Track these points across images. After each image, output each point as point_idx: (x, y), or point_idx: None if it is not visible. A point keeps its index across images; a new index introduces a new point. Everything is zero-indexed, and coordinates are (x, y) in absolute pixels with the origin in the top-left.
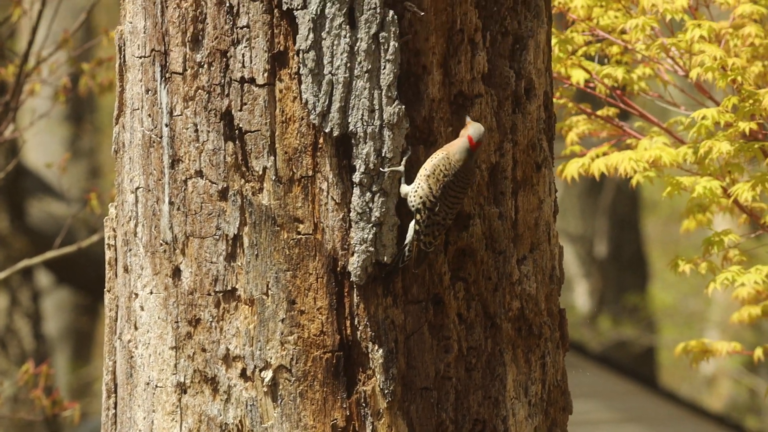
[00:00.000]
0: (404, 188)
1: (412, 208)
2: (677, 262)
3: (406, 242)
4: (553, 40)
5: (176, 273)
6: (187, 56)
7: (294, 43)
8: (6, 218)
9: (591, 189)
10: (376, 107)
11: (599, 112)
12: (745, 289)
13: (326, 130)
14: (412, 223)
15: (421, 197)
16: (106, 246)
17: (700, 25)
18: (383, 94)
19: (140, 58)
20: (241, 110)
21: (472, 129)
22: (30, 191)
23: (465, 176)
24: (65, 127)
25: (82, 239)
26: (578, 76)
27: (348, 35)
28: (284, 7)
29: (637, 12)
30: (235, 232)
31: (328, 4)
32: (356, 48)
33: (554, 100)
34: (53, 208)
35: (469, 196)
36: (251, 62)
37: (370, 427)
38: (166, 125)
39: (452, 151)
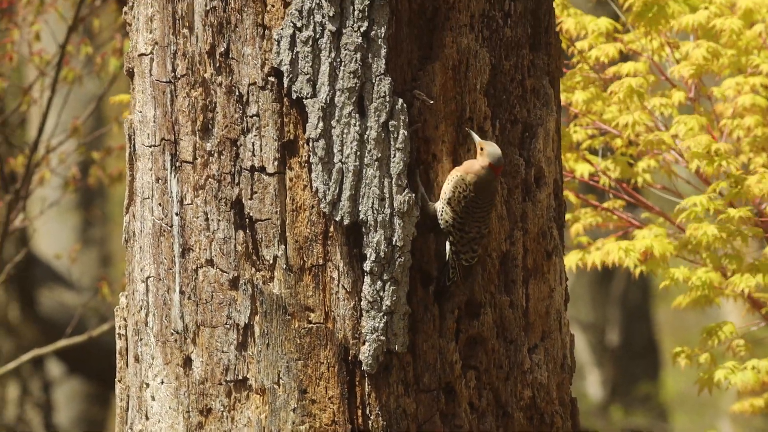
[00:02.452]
0: (431, 206)
1: (444, 230)
2: (678, 353)
3: (447, 260)
4: None
5: (187, 362)
6: (197, 145)
7: (304, 131)
8: (17, 307)
9: (603, 277)
10: (387, 195)
11: (605, 204)
12: (751, 379)
13: (337, 219)
14: (448, 243)
15: (447, 221)
16: (116, 335)
17: (686, 122)
18: (393, 182)
19: (150, 147)
20: (251, 199)
21: (491, 157)
22: (41, 280)
23: (487, 189)
24: (76, 216)
25: (94, 328)
26: (582, 170)
27: (358, 123)
28: (294, 96)
29: (632, 108)
30: (246, 321)
31: (338, 93)
32: (366, 136)
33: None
34: (64, 298)
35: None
36: (261, 151)
37: None
38: (177, 214)
39: (469, 170)
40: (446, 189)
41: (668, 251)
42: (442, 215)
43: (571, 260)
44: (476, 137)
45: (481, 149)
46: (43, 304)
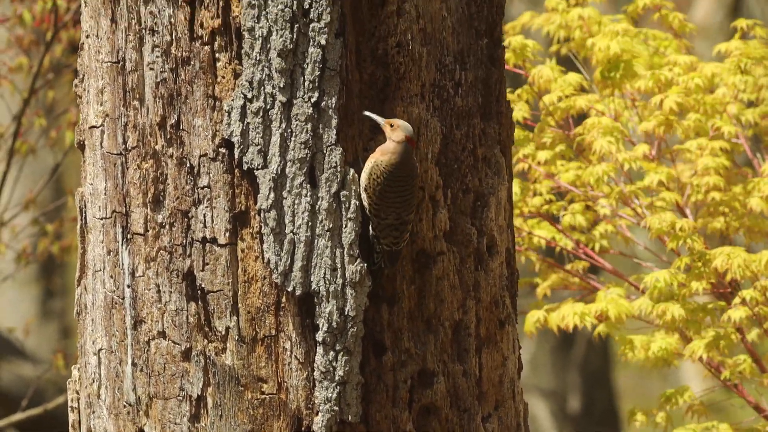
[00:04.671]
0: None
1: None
2: (634, 412)
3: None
4: (517, 195)
5: None
6: (149, 217)
7: (255, 202)
8: None
9: (563, 344)
10: (338, 266)
11: (568, 266)
12: None
13: (289, 289)
14: (370, 226)
15: (365, 207)
16: (69, 409)
17: (658, 172)
18: (345, 252)
19: (101, 219)
20: (203, 270)
21: (406, 131)
22: None
23: (403, 174)
24: (35, 287)
25: (52, 401)
26: (543, 233)
27: (309, 194)
28: (245, 167)
29: (595, 161)
30: (199, 393)
31: (289, 164)
32: (317, 207)
33: (519, 253)
34: (23, 370)
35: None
36: (213, 222)
37: None
38: (129, 286)
39: (381, 154)
40: (363, 177)
41: (624, 313)
42: (363, 201)
43: (530, 325)
44: (379, 118)
45: (392, 126)
46: (2, 377)
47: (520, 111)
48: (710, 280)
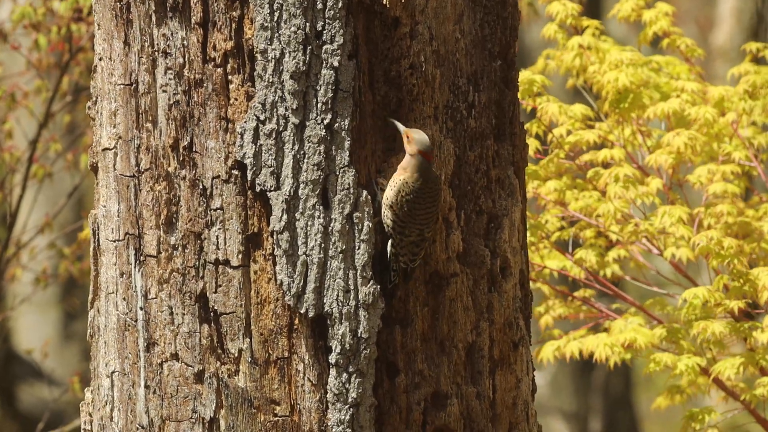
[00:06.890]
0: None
1: (387, 232)
2: None
3: (389, 261)
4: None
5: None
6: (161, 239)
7: (268, 224)
8: None
9: (584, 367)
10: (351, 287)
11: (576, 293)
12: None
13: (301, 311)
14: (389, 243)
15: (388, 225)
16: (82, 431)
17: (671, 213)
18: (358, 274)
19: (114, 241)
20: (216, 292)
21: (420, 144)
22: (20, 376)
23: (430, 190)
24: (57, 310)
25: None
26: (553, 265)
27: (322, 216)
28: (258, 189)
29: (606, 198)
30: (212, 415)
31: (302, 185)
32: (330, 228)
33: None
34: (44, 393)
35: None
36: (225, 244)
37: None
38: (141, 308)
39: (408, 173)
40: (389, 194)
41: (652, 341)
42: (384, 220)
43: (547, 352)
44: (400, 126)
45: (408, 138)
46: (23, 400)
47: (529, 144)
48: (748, 300)
